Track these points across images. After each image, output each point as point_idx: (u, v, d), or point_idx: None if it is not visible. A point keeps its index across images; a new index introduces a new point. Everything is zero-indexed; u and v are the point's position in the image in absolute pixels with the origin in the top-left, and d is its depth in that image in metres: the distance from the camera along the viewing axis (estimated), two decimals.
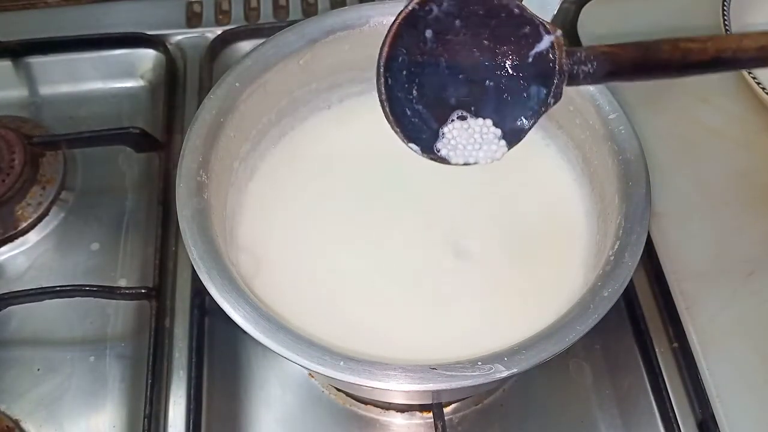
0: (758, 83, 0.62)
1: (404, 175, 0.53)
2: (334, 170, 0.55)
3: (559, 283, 0.48)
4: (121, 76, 0.71)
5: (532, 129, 0.54)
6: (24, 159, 0.61)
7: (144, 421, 0.50)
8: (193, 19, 0.74)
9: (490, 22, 0.37)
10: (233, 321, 0.40)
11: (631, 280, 0.42)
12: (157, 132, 0.64)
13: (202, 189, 0.46)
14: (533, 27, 0.36)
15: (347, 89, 0.57)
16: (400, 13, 0.37)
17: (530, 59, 0.37)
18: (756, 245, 0.57)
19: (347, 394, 0.54)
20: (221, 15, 0.74)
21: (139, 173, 0.65)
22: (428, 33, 0.37)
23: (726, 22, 0.63)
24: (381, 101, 0.38)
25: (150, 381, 0.52)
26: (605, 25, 0.68)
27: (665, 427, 0.52)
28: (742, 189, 0.60)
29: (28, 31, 0.71)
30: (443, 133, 0.39)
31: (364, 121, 0.55)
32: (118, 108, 0.69)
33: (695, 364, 0.52)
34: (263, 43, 0.52)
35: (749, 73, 0.62)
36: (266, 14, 0.74)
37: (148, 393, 0.51)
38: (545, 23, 0.36)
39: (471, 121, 0.38)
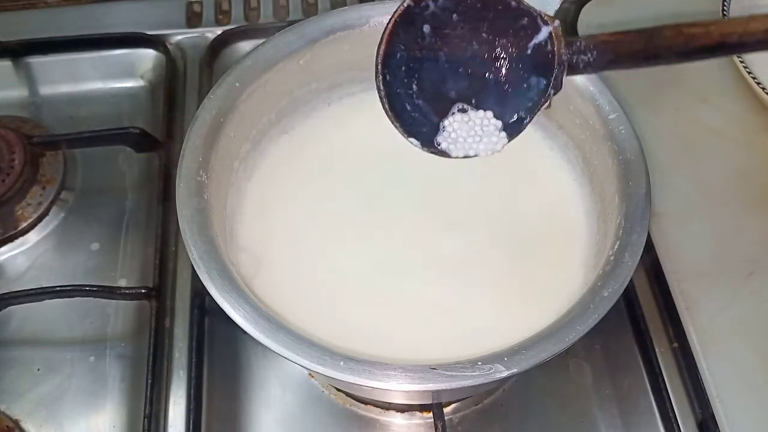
0: (758, 83, 0.62)
1: (404, 175, 0.54)
2: (334, 170, 0.55)
3: (559, 283, 0.48)
4: (121, 76, 0.71)
5: (533, 126, 0.54)
6: (24, 159, 0.61)
7: (144, 421, 0.50)
8: (193, 19, 0.74)
9: (488, 15, 0.37)
10: (233, 321, 0.40)
11: (631, 280, 0.42)
12: (157, 132, 0.64)
13: (202, 189, 0.46)
14: (531, 18, 0.37)
15: (347, 89, 0.57)
16: (396, 11, 0.37)
17: (529, 50, 0.37)
18: (756, 245, 0.57)
19: (347, 394, 0.54)
20: (221, 15, 0.74)
21: (139, 173, 0.65)
22: (426, 28, 0.37)
23: (725, 8, 0.64)
24: (380, 97, 0.38)
25: (150, 381, 0.52)
26: (605, 25, 0.68)
27: (665, 427, 0.52)
28: (742, 189, 0.60)
29: (28, 31, 0.71)
30: (444, 127, 0.39)
31: (365, 121, 0.55)
32: (118, 108, 0.70)
33: (695, 364, 0.52)
34: (263, 43, 0.52)
35: (749, 73, 0.62)
36: (266, 14, 0.74)
37: (148, 393, 0.51)
38: (543, 14, 0.36)
39: (471, 113, 0.39)
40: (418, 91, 0.38)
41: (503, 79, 0.38)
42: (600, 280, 0.42)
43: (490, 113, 0.38)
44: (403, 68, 0.38)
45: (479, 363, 0.38)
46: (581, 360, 0.55)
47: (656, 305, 0.56)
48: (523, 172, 0.54)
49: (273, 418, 0.53)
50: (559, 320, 0.41)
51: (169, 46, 0.71)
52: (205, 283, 0.41)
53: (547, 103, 0.38)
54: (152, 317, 0.55)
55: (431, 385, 0.38)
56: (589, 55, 0.36)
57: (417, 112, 0.39)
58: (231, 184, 0.51)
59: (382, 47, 0.38)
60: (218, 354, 0.55)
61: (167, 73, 0.69)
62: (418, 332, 0.47)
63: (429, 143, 0.39)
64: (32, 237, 0.61)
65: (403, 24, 0.37)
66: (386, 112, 0.39)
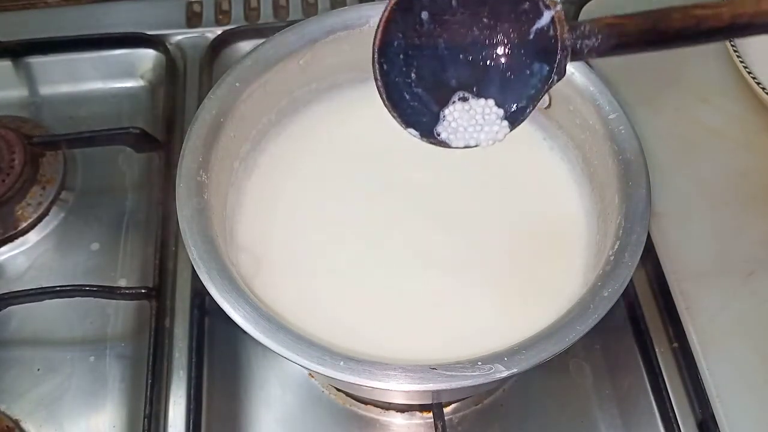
0: (758, 83, 0.62)
1: (404, 175, 0.54)
2: (334, 170, 0.55)
3: (559, 283, 0.48)
4: (121, 76, 0.71)
5: (533, 126, 0.54)
6: (24, 159, 0.61)
7: (144, 421, 0.50)
8: (193, 19, 0.74)
9: (488, 0, 0.36)
10: (233, 321, 0.40)
11: (631, 280, 0.42)
12: (157, 132, 0.64)
13: (202, 189, 0.46)
14: (532, 2, 0.35)
15: (347, 89, 0.57)
16: None
17: (531, 35, 0.36)
18: (756, 245, 0.57)
19: (347, 394, 0.54)
20: (221, 15, 0.74)
21: (139, 173, 0.65)
22: (424, 15, 0.36)
23: None
24: (377, 87, 0.38)
25: (150, 381, 0.52)
26: None
27: (665, 427, 0.52)
28: (742, 189, 0.60)
29: (28, 31, 0.71)
30: (444, 116, 0.38)
31: (364, 121, 0.55)
32: (118, 108, 0.70)
33: (695, 364, 0.52)
34: (263, 43, 0.52)
35: (749, 73, 0.62)
36: (266, 14, 0.74)
37: (148, 393, 0.51)
38: None
39: (473, 101, 0.38)
40: (417, 80, 0.37)
41: (505, 66, 0.37)
42: (600, 280, 0.42)
43: (491, 101, 0.38)
44: (401, 56, 0.37)
45: (479, 363, 0.38)
46: (581, 360, 0.55)
47: (656, 305, 0.56)
48: (524, 172, 0.54)
49: (273, 418, 0.53)
50: (559, 320, 0.41)
51: (169, 46, 0.71)
52: (205, 283, 0.41)
53: (549, 90, 0.36)
54: (152, 317, 0.55)
55: (431, 385, 0.38)
56: (594, 40, 0.35)
57: (416, 101, 0.38)
58: (231, 184, 0.51)
59: (379, 35, 0.37)
60: (218, 354, 0.55)
61: (167, 73, 0.69)
62: (418, 332, 0.47)
63: (428, 133, 0.38)
64: (32, 237, 0.61)
65: (401, 11, 0.36)
66: (384, 102, 0.38)
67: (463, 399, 0.53)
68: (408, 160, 0.52)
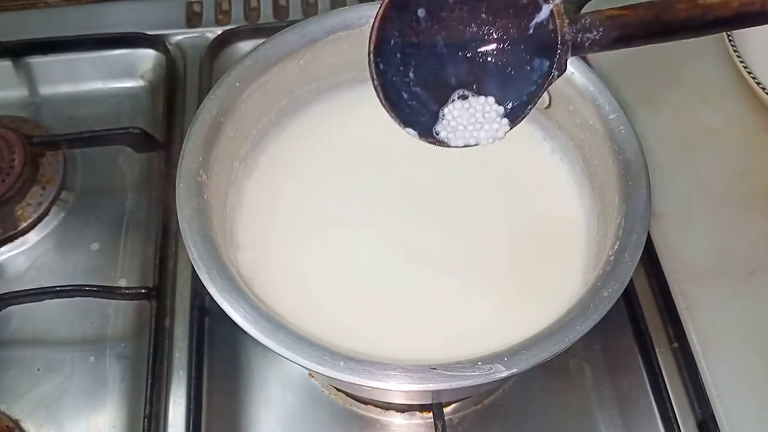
0: (758, 83, 0.62)
1: (404, 175, 0.54)
2: (334, 170, 0.55)
3: (559, 283, 0.48)
4: (121, 76, 0.71)
5: (533, 126, 0.54)
6: (24, 159, 0.61)
7: (144, 421, 0.50)
8: (193, 19, 0.74)
9: None
10: (233, 321, 0.40)
11: (631, 280, 0.42)
12: (157, 132, 0.64)
13: (202, 189, 0.46)
14: None
15: (347, 89, 0.57)
16: None
17: (531, 30, 0.35)
18: (756, 245, 0.57)
19: (347, 394, 0.54)
20: (221, 15, 0.75)
21: (139, 173, 0.65)
22: (420, 12, 0.36)
23: None
24: (374, 87, 0.37)
25: (150, 381, 0.52)
26: None
27: (665, 427, 0.52)
28: (742, 189, 0.60)
29: (28, 31, 0.72)
30: (443, 115, 0.38)
31: (364, 121, 0.55)
32: (118, 108, 0.70)
33: (695, 364, 0.52)
34: (263, 43, 0.52)
35: (749, 73, 0.62)
36: (266, 14, 0.74)
37: (148, 393, 0.51)
38: None
39: (472, 99, 0.37)
40: (415, 79, 0.37)
41: (505, 62, 0.36)
42: (600, 280, 0.42)
43: (491, 99, 0.37)
44: (398, 55, 0.37)
45: (479, 363, 0.38)
46: (581, 360, 0.55)
47: (656, 305, 0.56)
48: (524, 173, 0.54)
49: (273, 418, 0.53)
50: (559, 320, 0.41)
51: (169, 46, 0.71)
52: (205, 283, 0.41)
53: (549, 86, 0.36)
54: (152, 317, 0.55)
55: (431, 385, 0.38)
56: (595, 33, 0.34)
57: (415, 100, 0.37)
58: (231, 184, 0.51)
59: (374, 34, 0.36)
60: (218, 354, 0.55)
61: (167, 73, 0.69)
62: (418, 332, 0.47)
63: (427, 133, 0.38)
64: (32, 237, 0.61)
65: (396, 9, 0.36)
66: (381, 102, 0.37)
67: (463, 399, 0.53)
68: (408, 160, 0.52)
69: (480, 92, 0.37)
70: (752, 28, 0.35)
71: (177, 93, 0.68)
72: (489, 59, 0.37)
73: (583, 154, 0.52)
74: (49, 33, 0.71)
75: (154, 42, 0.71)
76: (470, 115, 0.38)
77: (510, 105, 0.37)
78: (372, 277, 0.50)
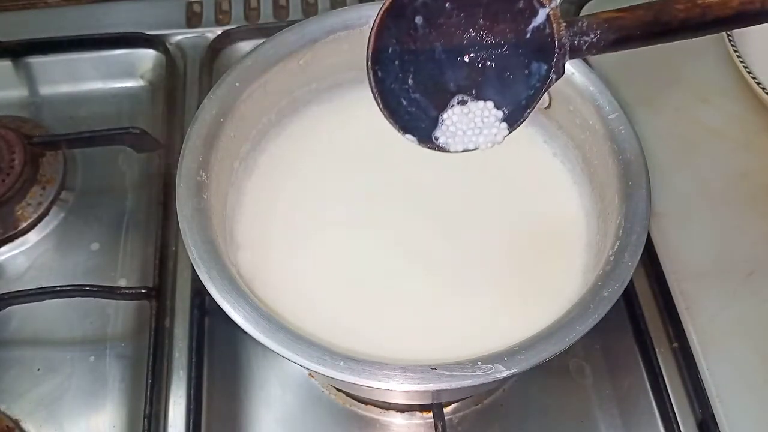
0: (758, 83, 0.62)
1: (404, 176, 0.54)
2: (334, 170, 0.55)
3: (559, 283, 0.48)
4: (121, 76, 0.71)
5: (533, 127, 0.54)
6: (24, 159, 0.61)
7: (144, 421, 0.50)
8: (193, 19, 0.74)
9: (482, 0, 0.36)
10: (233, 321, 0.40)
11: (631, 280, 0.42)
12: (157, 132, 0.64)
13: (202, 189, 0.46)
14: (527, 1, 0.35)
15: (347, 89, 0.57)
16: (383, 4, 0.36)
17: (528, 35, 0.36)
18: (756, 245, 0.57)
19: (347, 394, 0.54)
20: (221, 15, 0.75)
21: (139, 173, 0.65)
22: (418, 19, 0.36)
23: None
24: (373, 94, 0.38)
25: (150, 381, 0.52)
26: None
27: (665, 427, 0.52)
28: (742, 189, 0.60)
29: (28, 31, 0.71)
30: (442, 120, 0.38)
31: (364, 121, 0.55)
32: (118, 108, 0.70)
33: (695, 364, 0.52)
34: (263, 43, 0.52)
35: (749, 72, 0.62)
36: (266, 14, 0.74)
37: (148, 393, 0.51)
38: None
39: (472, 104, 0.38)
40: (414, 86, 0.37)
41: (503, 67, 0.36)
42: (600, 280, 0.42)
43: (490, 103, 0.37)
44: (397, 62, 0.37)
45: (479, 363, 0.38)
46: (581, 360, 0.55)
47: (656, 305, 0.56)
48: (524, 173, 0.54)
49: (273, 418, 0.53)
50: (559, 320, 0.41)
51: (169, 46, 0.71)
52: (205, 283, 0.41)
53: (548, 90, 0.36)
54: (152, 317, 0.55)
55: (431, 385, 0.38)
56: (593, 36, 0.34)
57: (414, 106, 0.38)
58: (231, 184, 0.51)
59: (371, 43, 0.37)
60: (218, 354, 0.55)
61: (167, 73, 0.69)
62: (418, 332, 0.47)
63: (427, 138, 0.38)
64: (32, 237, 0.61)
65: (393, 17, 0.36)
66: (380, 109, 0.38)
67: (463, 399, 0.53)
68: (408, 160, 0.52)
69: (479, 97, 0.38)
70: (752, 27, 0.35)
71: (177, 93, 0.68)
72: (487, 64, 0.37)
73: (583, 154, 0.52)
74: (49, 33, 0.71)
75: (154, 42, 0.71)
76: (469, 120, 0.38)
77: (509, 109, 0.38)
78: (372, 277, 0.50)
